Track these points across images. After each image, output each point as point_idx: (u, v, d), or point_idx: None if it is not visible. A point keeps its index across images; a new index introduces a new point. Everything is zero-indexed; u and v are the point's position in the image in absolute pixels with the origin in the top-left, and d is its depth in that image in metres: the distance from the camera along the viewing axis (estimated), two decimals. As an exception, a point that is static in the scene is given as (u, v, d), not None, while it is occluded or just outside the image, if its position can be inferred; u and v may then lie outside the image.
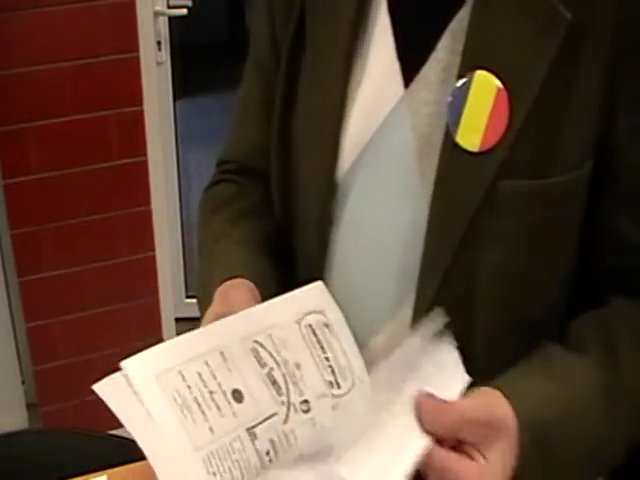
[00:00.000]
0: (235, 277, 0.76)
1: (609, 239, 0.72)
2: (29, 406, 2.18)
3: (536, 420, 0.64)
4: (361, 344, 0.73)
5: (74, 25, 1.83)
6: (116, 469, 0.99)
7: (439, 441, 0.62)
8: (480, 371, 0.68)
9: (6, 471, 1.12)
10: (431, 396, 0.64)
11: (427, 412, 0.63)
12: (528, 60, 0.66)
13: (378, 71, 0.74)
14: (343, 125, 0.75)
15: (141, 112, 1.98)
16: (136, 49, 1.93)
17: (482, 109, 0.67)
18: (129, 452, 1.07)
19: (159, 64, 2.11)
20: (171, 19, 2.15)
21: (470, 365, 0.69)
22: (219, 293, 0.75)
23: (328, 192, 0.77)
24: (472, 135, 0.68)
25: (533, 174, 0.67)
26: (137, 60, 1.94)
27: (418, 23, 0.72)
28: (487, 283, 0.71)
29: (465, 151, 0.68)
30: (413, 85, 0.71)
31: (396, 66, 0.73)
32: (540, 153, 0.67)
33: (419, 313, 0.72)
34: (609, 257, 0.74)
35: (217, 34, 4.47)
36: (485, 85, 0.67)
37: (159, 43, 2.08)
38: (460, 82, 0.68)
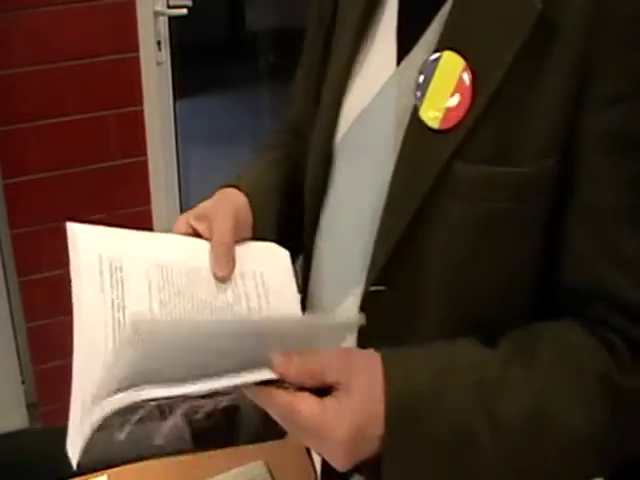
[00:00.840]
0: (238, 188, 0.85)
1: (565, 254, 0.70)
2: (29, 406, 2.18)
3: (406, 388, 0.64)
4: (333, 307, 0.79)
5: (74, 25, 1.83)
6: (116, 469, 0.99)
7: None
8: None
9: (6, 471, 1.12)
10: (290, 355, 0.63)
11: (294, 374, 0.62)
12: (496, 45, 0.66)
13: (380, 48, 0.78)
14: (345, 96, 0.80)
15: (141, 112, 1.98)
16: (136, 49, 1.93)
17: (446, 88, 0.69)
18: (129, 452, 1.07)
19: (159, 64, 2.10)
20: (171, 19, 2.14)
21: None
22: (215, 196, 0.84)
23: (324, 158, 0.82)
24: (434, 112, 0.69)
25: (489, 160, 0.67)
26: (137, 60, 1.94)
27: (419, 5, 0.75)
28: (437, 265, 0.71)
29: (427, 127, 0.69)
30: (402, 64, 0.74)
31: (394, 45, 0.76)
32: (499, 140, 0.67)
33: (368, 283, 0.74)
34: (565, 275, 0.70)
35: (217, 34, 4.47)
36: (451, 65, 0.68)
37: (159, 43, 2.08)
38: (429, 60, 0.70)
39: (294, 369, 0.62)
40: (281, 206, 0.90)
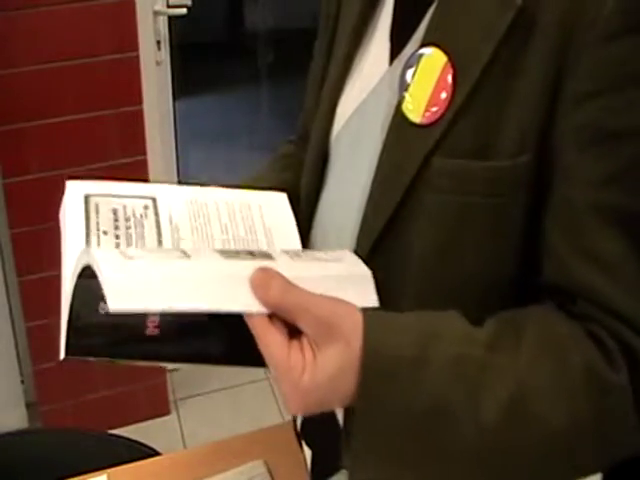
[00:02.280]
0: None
1: (544, 252, 0.69)
2: (29, 406, 2.18)
3: (386, 349, 0.61)
4: None
5: (74, 25, 1.83)
6: (116, 469, 1.00)
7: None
8: None
9: (6, 471, 1.12)
10: (281, 275, 0.63)
11: (274, 286, 0.61)
12: (476, 41, 0.67)
13: (375, 47, 0.79)
14: (341, 95, 0.82)
15: (141, 112, 1.98)
16: (136, 49, 1.92)
17: (427, 83, 0.69)
18: (129, 452, 1.08)
19: (159, 64, 2.10)
20: (171, 19, 2.14)
21: None
22: None
23: (320, 156, 0.84)
24: (416, 107, 0.70)
25: (468, 155, 0.68)
26: (137, 60, 1.93)
27: (412, 3, 0.75)
28: (418, 258, 0.71)
29: (409, 122, 0.70)
30: (394, 63, 0.75)
31: (387, 44, 0.77)
32: (478, 135, 0.67)
33: None
34: (546, 273, 0.69)
35: (217, 34, 4.47)
36: (433, 60, 0.69)
37: (159, 43, 2.08)
38: (413, 55, 0.71)
39: (270, 294, 0.61)
40: None
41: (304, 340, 0.62)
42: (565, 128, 0.66)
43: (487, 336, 0.65)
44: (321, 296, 0.62)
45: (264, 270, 0.62)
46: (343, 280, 0.68)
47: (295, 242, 0.80)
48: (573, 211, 0.66)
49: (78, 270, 0.64)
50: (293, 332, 0.62)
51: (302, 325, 0.61)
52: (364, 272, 0.70)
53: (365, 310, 0.63)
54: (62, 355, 0.66)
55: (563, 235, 0.67)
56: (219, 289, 0.61)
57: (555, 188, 0.67)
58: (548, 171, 0.67)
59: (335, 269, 0.69)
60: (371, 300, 0.68)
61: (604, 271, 0.66)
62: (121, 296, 0.58)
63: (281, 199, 0.84)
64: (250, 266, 0.63)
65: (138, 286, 0.59)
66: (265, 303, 0.61)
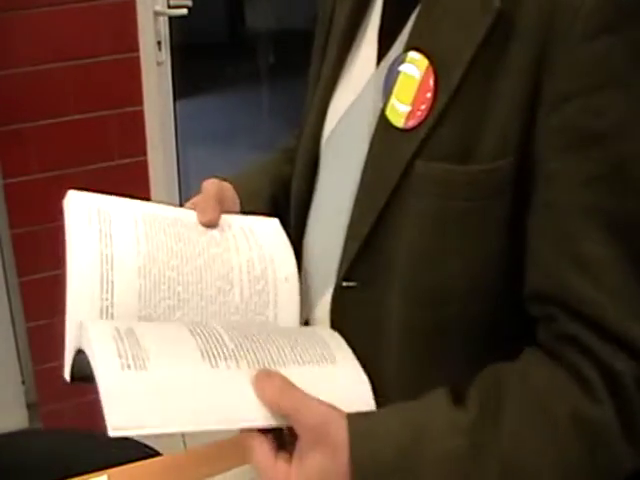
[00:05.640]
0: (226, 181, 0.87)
1: (528, 256, 0.68)
2: (29, 406, 2.18)
3: (368, 462, 0.62)
4: (312, 303, 0.81)
5: (74, 25, 1.83)
6: (116, 469, 0.99)
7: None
8: (391, 375, 0.71)
9: (6, 471, 1.12)
10: (282, 376, 0.64)
11: (272, 386, 0.63)
12: (456, 44, 0.67)
13: (364, 50, 0.80)
14: (331, 98, 0.83)
15: (141, 112, 1.98)
16: (136, 49, 1.92)
17: (410, 87, 0.70)
18: (129, 452, 1.07)
19: (159, 64, 2.10)
20: (171, 19, 2.14)
21: (382, 364, 0.72)
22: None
23: (311, 159, 0.84)
24: (399, 111, 0.70)
25: (449, 159, 0.68)
26: (137, 60, 1.93)
27: (399, 7, 0.75)
28: (403, 262, 0.71)
29: (392, 126, 0.71)
30: (380, 66, 0.76)
31: (375, 47, 0.78)
32: (459, 139, 0.67)
33: (339, 278, 0.76)
34: (530, 278, 0.69)
35: (217, 34, 4.47)
36: (415, 64, 0.70)
37: (159, 43, 2.08)
38: (395, 59, 0.72)
39: (269, 389, 0.63)
40: (273, 199, 0.92)
41: (295, 447, 0.63)
42: (546, 130, 0.65)
43: (469, 421, 0.64)
44: (315, 401, 0.63)
45: (265, 373, 0.64)
46: (341, 388, 0.69)
47: (291, 267, 0.81)
48: (557, 214, 0.65)
49: (78, 346, 0.65)
50: (285, 437, 0.64)
51: (294, 427, 0.63)
52: (362, 378, 0.71)
53: (351, 418, 0.64)
54: (67, 379, 0.68)
55: (547, 239, 0.66)
56: (221, 403, 0.62)
57: (538, 191, 0.66)
58: (531, 174, 0.67)
59: (331, 374, 0.70)
60: (369, 405, 0.69)
61: (589, 276, 0.64)
62: (121, 417, 0.58)
63: (273, 224, 0.84)
64: (246, 373, 0.64)
65: (139, 406, 0.59)
66: (262, 400, 0.63)
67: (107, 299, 0.70)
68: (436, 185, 0.68)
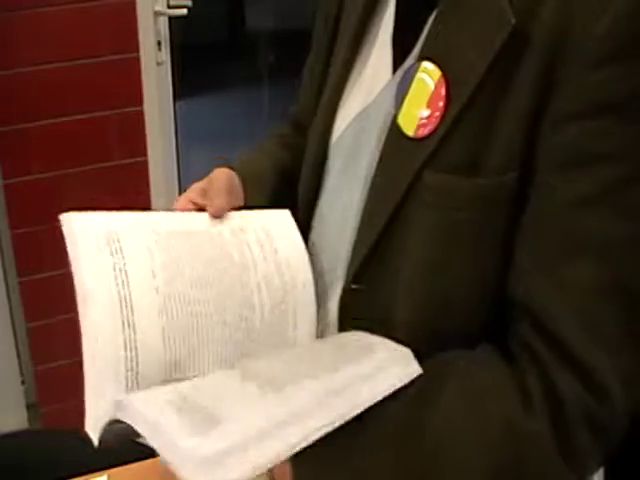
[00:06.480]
0: (233, 170, 0.88)
1: (511, 266, 0.69)
2: (29, 406, 2.18)
3: None
4: (319, 305, 0.81)
5: (74, 25, 1.83)
6: (116, 469, 0.99)
7: None
8: None
9: (6, 471, 1.12)
10: None
11: None
12: (470, 57, 0.67)
13: (377, 55, 0.80)
14: (341, 100, 0.83)
15: (141, 112, 1.98)
16: (136, 49, 1.93)
17: (422, 97, 0.70)
18: (129, 452, 1.07)
19: (159, 64, 2.10)
20: (171, 19, 2.14)
21: None
22: (209, 175, 0.88)
23: (318, 159, 0.85)
24: (410, 120, 0.71)
25: (457, 171, 0.68)
26: (137, 60, 1.94)
27: (413, 15, 0.75)
28: (407, 269, 0.72)
29: (403, 135, 0.71)
30: (397, 72, 0.76)
31: (389, 53, 0.78)
32: (467, 151, 0.68)
33: (347, 281, 0.77)
34: (509, 286, 0.70)
35: (217, 34, 4.47)
36: (428, 75, 0.70)
37: (159, 43, 2.08)
38: (408, 69, 0.72)
39: None
40: (274, 187, 0.92)
41: None
42: (545, 146, 0.65)
43: (415, 392, 0.66)
44: None
45: None
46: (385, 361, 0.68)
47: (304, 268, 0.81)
48: (541, 230, 0.66)
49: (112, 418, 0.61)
50: None
51: None
52: (402, 349, 0.70)
53: (295, 463, 0.65)
54: (96, 444, 0.66)
55: (528, 250, 0.67)
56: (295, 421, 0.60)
57: (530, 206, 0.67)
58: (527, 189, 0.67)
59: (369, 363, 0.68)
60: (416, 370, 0.69)
61: (563, 295, 0.64)
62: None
63: (284, 218, 0.84)
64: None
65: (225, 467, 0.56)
66: None
67: (130, 344, 0.67)
68: (442, 196, 0.69)
